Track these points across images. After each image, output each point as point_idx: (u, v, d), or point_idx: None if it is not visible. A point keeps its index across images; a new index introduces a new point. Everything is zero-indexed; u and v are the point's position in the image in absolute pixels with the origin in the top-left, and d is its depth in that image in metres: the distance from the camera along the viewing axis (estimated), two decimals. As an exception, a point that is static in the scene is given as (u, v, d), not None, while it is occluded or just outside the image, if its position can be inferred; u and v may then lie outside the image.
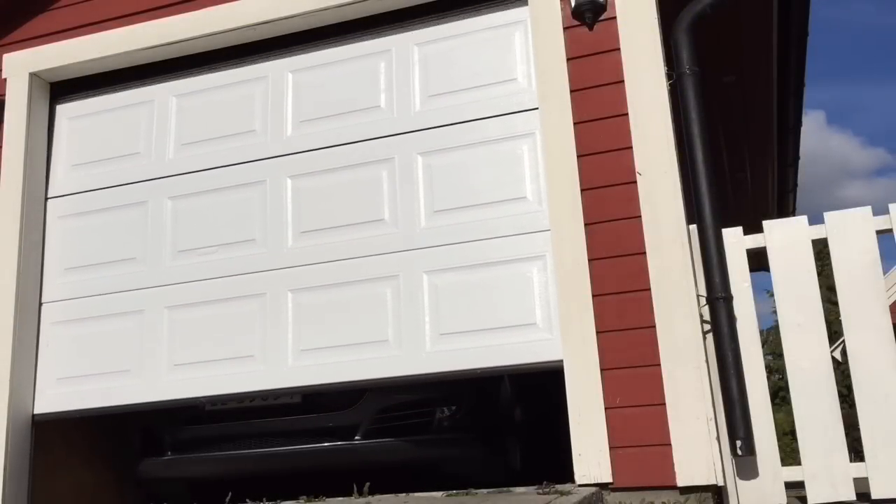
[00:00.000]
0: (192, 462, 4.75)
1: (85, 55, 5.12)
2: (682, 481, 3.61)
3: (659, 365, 3.75)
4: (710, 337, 3.81)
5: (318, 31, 4.84)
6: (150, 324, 4.73)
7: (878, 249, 3.89)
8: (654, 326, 3.79)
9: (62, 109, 5.30)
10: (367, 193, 4.54)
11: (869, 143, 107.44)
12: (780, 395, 20.93)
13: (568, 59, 4.22)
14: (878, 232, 3.92)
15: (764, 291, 18.41)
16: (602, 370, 3.82)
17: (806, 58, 5.88)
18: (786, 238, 4.00)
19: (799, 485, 3.82)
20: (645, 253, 3.88)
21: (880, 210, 3.93)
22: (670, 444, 3.65)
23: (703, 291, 3.87)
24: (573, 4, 4.23)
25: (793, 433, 3.92)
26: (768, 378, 4.04)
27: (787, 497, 3.78)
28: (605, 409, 3.77)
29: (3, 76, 5.24)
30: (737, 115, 6.52)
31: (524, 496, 3.43)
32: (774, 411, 3.99)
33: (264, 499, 3.72)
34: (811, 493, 3.74)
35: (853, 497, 3.69)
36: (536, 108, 4.29)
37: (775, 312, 6.81)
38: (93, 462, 5.33)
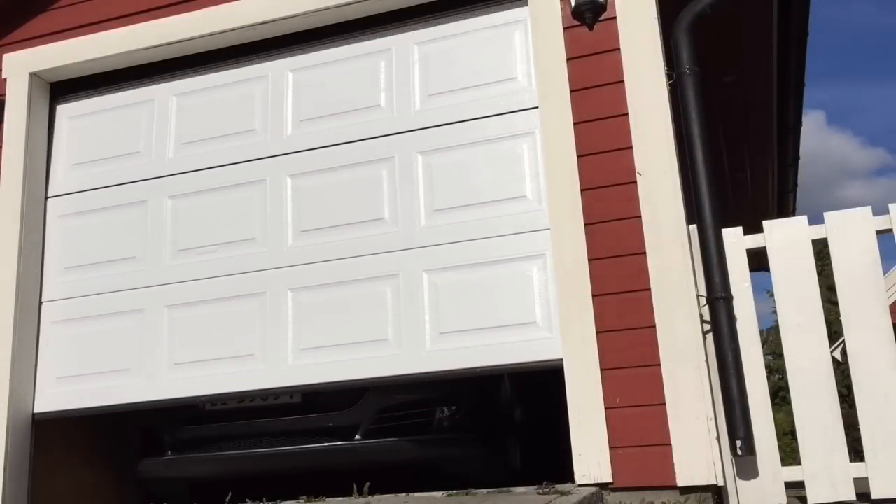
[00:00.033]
0: (192, 462, 4.75)
1: (85, 55, 5.12)
2: (682, 481, 3.61)
3: (659, 365, 3.75)
4: (710, 337, 3.81)
5: (318, 31, 4.84)
6: (150, 323, 4.73)
7: (878, 249, 3.89)
8: (654, 326, 3.79)
9: (62, 109, 5.30)
10: (367, 192, 4.54)
11: (869, 143, 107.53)
12: (780, 395, 20.93)
13: (568, 59, 4.22)
14: (878, 232, 3.92)
15: (764, 291, 18.42)
16: (602, 370, 3.81)
17: (806, 58, 5.88)
18: (786, 238, 4.00)
19: (799, 485, 3.82)
20: (645, 253, 3.88)
21: (880, 210, 3.93)
22: (670, 444, 3.65)
23: (703, 291, 3.87)
24: (573, 4, 4.23)
25: (793, 433, 3.92)
26: (768, 378, 4.04)
27: (787, 497, 3.77)
28: (605, 408, 3.77)
29: (3, 76, 5.24)
30: (737, 115, 6.52)
31: (524, 496, 3.43)
32: (774, 411, 3.99)
33: (264, 499, 3.71)
34: (811, 493, 3.74)
35: (853, 497, 3.69)
36: (536, 107, 4.29)
37: (775, 312, 6.81)
38: (93, 462, 5.33)
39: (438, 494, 3.64)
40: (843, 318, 3.84)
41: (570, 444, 3.78)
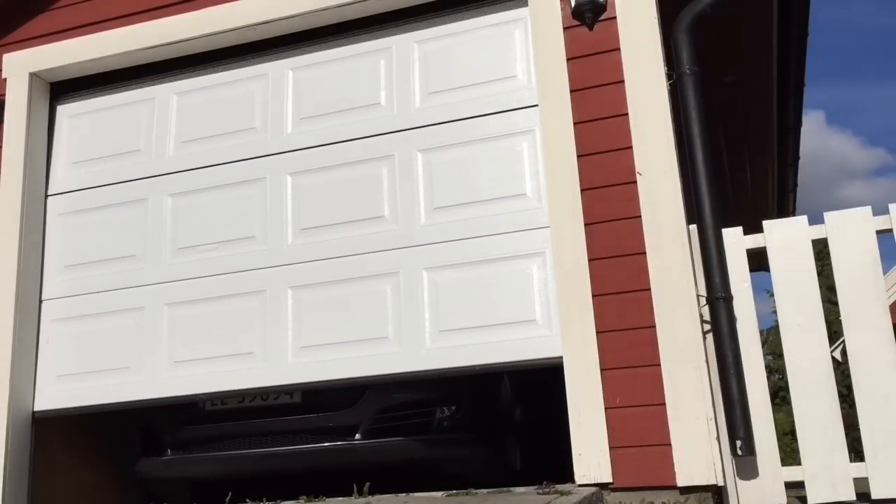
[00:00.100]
0: (192, 462, 4.75)
1: (85, 55, 5.12)
2: (682, 481, 3.61)
3: (659, 365, 3.75)
4: (710, 337, 3.81)
5: (319, 31, 4.84)
6: (150, 321, 4.73)
7: (878, 249, 3.89)
8: (654, 326, 3.79)
9: (62, 109, 5.30)
10: (366, 190, 4.54)
11: (869, 143, 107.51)
12: (780, 395, 20.93)
13: (568, 59, 4.22)
14: (878, 232, 3.92)
15: (764, 291, 18.45)
16: (602, 370, 3.81)
17: (806, 58, 5.88)
18: (786, 238, 4.00)
19: (799, 485, 3.82)
20: (645, 253, 3.88)
21: (880, 210, 3.93)
22: (670, 444, 3.65)
23: (703, 291, 3.87)
24: (573, 4, 4.23)
25: (793, 433, 3.92)
26: (768, 378, 4.04)
27: (787, 497, 3.77)
28: (605, 408, 3.77)
29: (3, 76, 5.24)
30: (737, 115, 6.51)
31: (524, 496, 3.43)
32: (774, 411, 3.99)
33: (264, 499, 3.71)
34: (811, 493, 3.74)
35: (853, 497, 3.69)
36: (536, 105, 4.29)
37: (775, 312, 6.81)
38: (93, 461, 5.33)
39: (438, 494, 3.64)
40: (843, 318, 3.84)
41: (570, 443, 3.78)
